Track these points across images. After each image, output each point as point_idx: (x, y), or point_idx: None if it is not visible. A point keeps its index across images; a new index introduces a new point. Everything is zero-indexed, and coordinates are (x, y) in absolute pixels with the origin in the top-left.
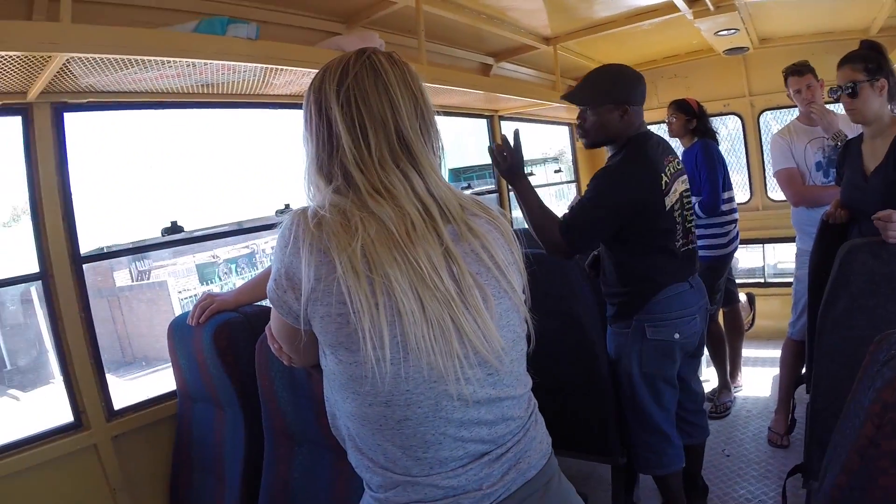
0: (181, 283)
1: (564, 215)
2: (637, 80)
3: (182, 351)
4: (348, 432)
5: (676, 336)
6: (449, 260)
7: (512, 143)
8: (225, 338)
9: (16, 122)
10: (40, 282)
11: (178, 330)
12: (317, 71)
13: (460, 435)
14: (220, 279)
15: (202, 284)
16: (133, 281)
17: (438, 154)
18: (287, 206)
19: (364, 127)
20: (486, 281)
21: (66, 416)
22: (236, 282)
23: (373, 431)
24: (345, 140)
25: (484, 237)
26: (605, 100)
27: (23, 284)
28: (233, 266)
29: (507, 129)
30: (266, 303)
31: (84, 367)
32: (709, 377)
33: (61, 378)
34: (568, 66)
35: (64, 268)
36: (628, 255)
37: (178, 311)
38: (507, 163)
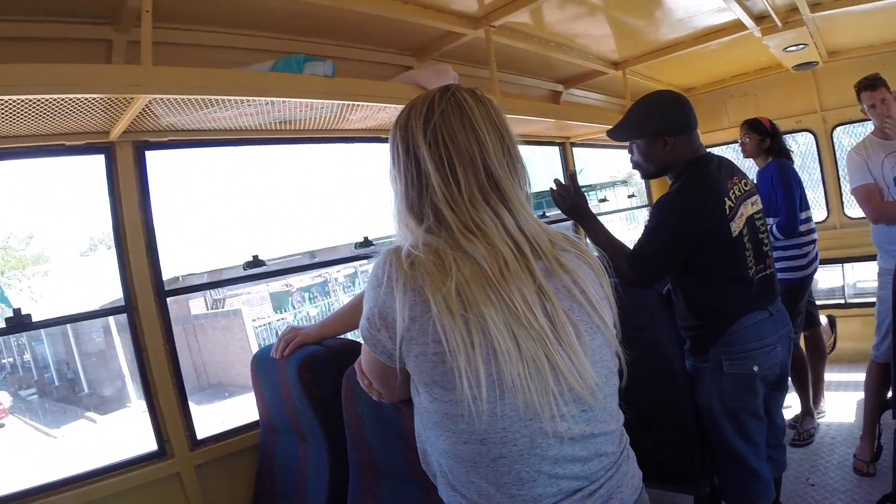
0: (255, 312)
1: (633, 247)
2: (676, 107)
3: (265, 383)
4: (440, 469)
5: (755, 368)
6: (542, 297)
7: (569, 184)
8: (309, 370)
9: (99, 160)
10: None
11: (262, 362)
12: (392, 105)
13: (554, 472)
14: (294, 307)
15: (276, 312)
16: (208, 309)
17: (525, 189)
18: (366, 238)
19: (453, 165)
20: (579, 317)
21: (139, 439)
22: (309, 310)
23: (467, 469)
24: (434, 179)
25: (574, 272)
26: (640, 134)
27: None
28: (306, 294)
29: (580, 155)
30: (350, 336)
31: (168, 398)
32: (790, 403)
33: (144, 406)
34: (637, 89)
35: (148, 301)
36: (696, 287)
37: (252, 339)
38: (568, 203)
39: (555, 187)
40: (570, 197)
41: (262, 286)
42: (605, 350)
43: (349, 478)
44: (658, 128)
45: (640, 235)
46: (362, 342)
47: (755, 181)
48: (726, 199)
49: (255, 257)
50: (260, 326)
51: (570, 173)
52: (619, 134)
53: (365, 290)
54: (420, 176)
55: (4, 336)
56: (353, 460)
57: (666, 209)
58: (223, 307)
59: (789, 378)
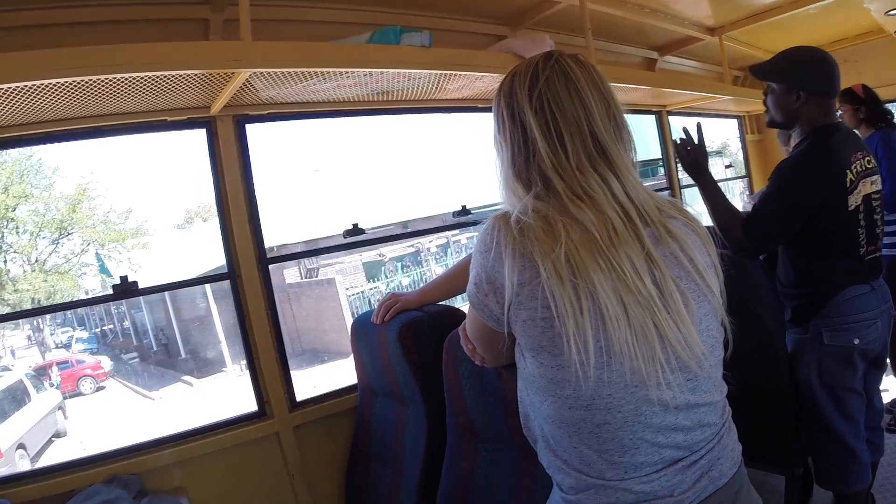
0: (348, 281)
1: (748, 213)
2: (821, 67)
3: (365, 347)
4: (542, 433)
5: (856, 341)
6: (650, 264)
7: (695, 136)
8: (409, 336)
9: (198, 134)
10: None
11: (362, 328)
12: (489, 75)
13: (657, 440)
14: (386, 277)
15: (369, 282)
16: (302, 278)
17: (631, 154)
18: (464, 207)
19: (559, 131)
20: (686, 285)
21: (232, 402)
22: (401, 280)
23: (569, 434)
24: (541, 145)
25: (682, 240)
26: (778, 79)
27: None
28: (399, 264)
29: (676, 123)
30: (448, 302)
31: (269, 361)
32: (887, 386)
33: (238, 371)
34: (734, 56)
35: (251, 268)
36: (807, 256)
37: (345, 307)
38: (691, 157)
39: (683, 136)
40: (693, 150)
41: (356, 256)
42: (711, 319)
43: (446, 441)
44: (796, 79)
45: (754, 202)
46: (468, 307)
47: None
48: (848, 171)
49: (355, 225)
50: (353, 295)
51: (697, 123)
52: (761, 72)
53: (472, 255)
54: (527, 142)
55: (113, 302)
56: (451, 424)
57: (787, 173)
58: (317, 276)
59: (888, 359)
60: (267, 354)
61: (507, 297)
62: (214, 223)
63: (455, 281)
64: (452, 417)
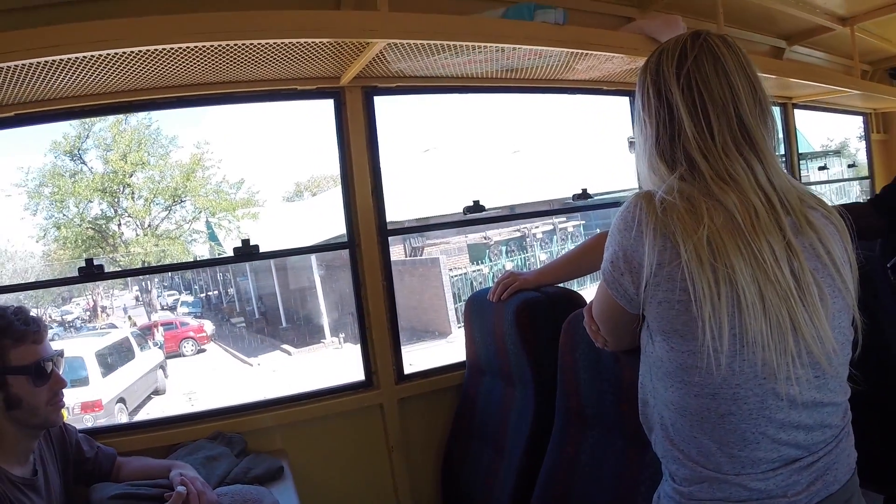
0: (452, 262)
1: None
2: None
3: (478, 325)
4: (661, 421)
5: None
6: (790, 253)
7: None
8: (526, 316)
9: (326, 104)
10: (347, 250)
11: (477, 305)
12: (619, 56)
13: (778, 437)
14: (490, 260)
15: (472, 264)
16: (406, 256)
17: (775, 141)
18: (584, 191)
19: (706, 112)
20: (823, 278)
21: (326, 375)
22: (506, 264)
23: (691, 423)
24: (687, 125)
25: (821, 231)
26: None
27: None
28: (503, 248)
29: (801, 117)
30: (566, 285)
31: (381, 332)
32: None
33: (337, 343)
34: (866, 49)
35: (371, 239)
36: None
37: (448, 288)
38: None
39: None
40: None
41: (461, 237)
42: (844, 315)
43: (553, 425)
44: None
45: None
46: (599, 286)
47: None
48: None
49: (476, 202)
50: (456, 276)
51: None
52: None
53: (609, 233)
54: (672, 122)
55: (232, 264)
56: (560, 408)
57: None
58: (421, 255)
59: None
60: (379, 325)
61: (644, 276)
62: (322, 197)
63: (575, 264)
64: (563, 401)
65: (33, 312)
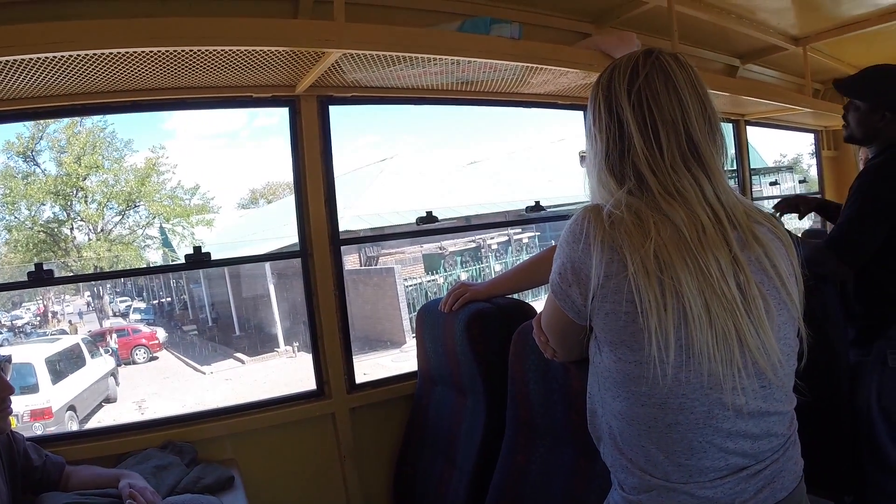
0: (407, 271)
1: (830, 234)
2: None
3: (430, 335)
4: (610, 431)
5: None
6: (736, 267)
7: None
8: (477, 326)
9: (282, 112)
10: (300, 259)
11: (429, 315)
12: (573, 71)
13: (725, 445)
14: (445, 270)
15: (427, 274)
16: (361, 265)
17: (723, 158)
18: (537, 203)
19: (656, 129)
20: (769, 291)
21: (282, 382)
22: (460, 275)
23: (639, 432)
24: (637, 141)
25: (767, 246)
26: (864, 97)
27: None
28: (458, 259)
29: (753, 134)
30: (517, 296)
31: (332, 341)
32: None
33: (290, 352)
34: (817, 68)
35: (323, 248)
36: (883, 272)
37: (402, 298)
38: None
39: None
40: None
41: (416, 247)
42: (789, 328)
43: (504, 434)
44: (883, 98)
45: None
46: (548, 297)
47: None
48: None
49: (429, 213)
50: (411, 286)
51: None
52: (846, 88)
53: (558, 245)
54: (622, 137)
55: (184, 271)
56: (510, 418)
57: (873, 178)
58: (376, 265)
59: None
60: (331, 335)
61: (591, 288)
62: (278, 205)
63: (526, 275)
64: (513, 410)
65: None
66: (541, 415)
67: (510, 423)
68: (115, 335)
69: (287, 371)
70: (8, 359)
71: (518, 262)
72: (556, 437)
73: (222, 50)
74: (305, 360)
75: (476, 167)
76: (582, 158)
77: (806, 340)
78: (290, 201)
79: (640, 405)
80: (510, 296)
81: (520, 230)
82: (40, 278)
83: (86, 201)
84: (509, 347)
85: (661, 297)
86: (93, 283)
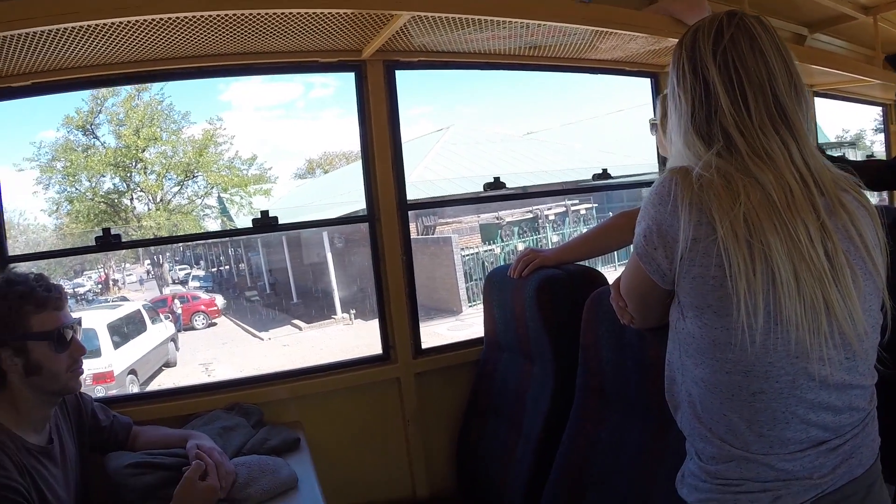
0: (463, 241)
1: None
2: None
3: (498, 301)
4: (690, 398)
5: None
6: (824, 234)
7: None
8: (547, 293)
9: (337, 84)
10: (367, 224)
11: (497, 281)
12: (642, 36)
13: (808, 417)
14: (502, 240)
15: (484, 244)
16: (418, 234)
17: (809, 122)
18: (604, 171)
19: (743, 89)
20: (855, 260)
21: (335, 350)
22: (517, 245)
23: (721, 400)
24: (724, 102)
25: (853, 214)
26: None
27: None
28: (515, 229)
29: (820, 105)
30: (587, 263)
31: (399, 306)
32: None
33: (348, 319)
34: (888, 39)
35: (391, 213)
36: None
37: (459, 267)
38: None
39: None
40: None
41: (473, 217)
42: (874, 299)
43: (572, 402)
44: None
45: None
46: (629, 261)
47: None
48: None
49: (497, 179)
50: (468, 255)
51: None
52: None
53: (642, 208)
54: (709, 98)
55: (253, 235)
56: (580, 385)
57: None
58: (433, 234)
59: None
60: (398, 299)
61: (678, 251)
62: (334, 175)
63: (595, 242)
64: (583, 378)
65: None
66: (612, 383)
67: (580, 391)
68: (177, 301)
69: (344, 338)
70: (79, 321)
71: (576, 233)
72: (628, 406)
73: (288, 13)
74: (362, 328)
75: (533, 137)
76: (652, 126)
77: (891, 312)
78: (344, 171)
79: (725, 372)
80: (579, 263)
81: (577, 201)
82: (108, 243)
83: (145, 172)
84: (578, 314)
85: (750, 262)
86: (153, 251)
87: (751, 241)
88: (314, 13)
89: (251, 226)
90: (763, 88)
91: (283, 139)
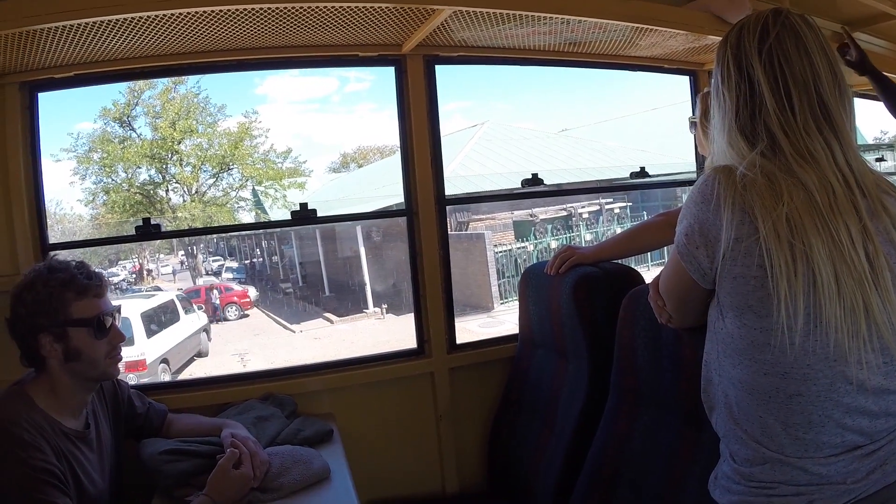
0: (496, 238)
1: None
2: None
3: (534, 298)
4: (726, 400)
5: None
6: (865, 237)
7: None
8: (584, 290)
9: (372, 78)
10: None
11: (534, 277)
12: (682, 33)
13: (843, 421)
14: (535, 238)
15: (517, 241)
16: (451, 230)
17: (853, 122)
18: (642, 168)
19: (788, 89)
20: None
21: (367, 344)
22: (550, 242)
23: (758, 402)
24: (769, 101)
25: (895, 217)
26: None
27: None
28: (549, 227)
29: (857, 106)
30: (627, 261)
31: (435, 301)
32: None
33: (379, 314)
34: None
35: (429, 208)
36: None
37: (491, 263)
38: (859, 53)
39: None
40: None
41: (506, 213)
42: None
43: (606, 400)
44: None
45: None
46: (670, 260)
47: None
48: None
49: (535, 175)
50: (500, 252)
51: (843, 28)
52: None
53: (683, 206)
54: (753, 96)
55: (291, 227)
56: (615, 384)
57: None
58: (466, 230)
59: None
60: (434, 294)
61: (720, 250)
62: (369, 169)
63: (633, 241)
64: (618, 377)
65: None
66: (647, 382)
67: (614, 390)
68: (215, 291)
69: (375, 332)
70: (118, 308)
71: (610, 233)
72: (662, 406)
73: (330, 7)
74: (394, 322)
75: (567, 135)
76: (692, 125)
77: None
78: (379, 166)
79: (763, 374)
80: (616, 261)
81: (611, 199)
82: (148, 232)
83: (181, 164)
84: (614, 312)
85: (791, 263)
86: (187, 242)
87: (793, 242)
88: (356, 7)
89: (290, 218)
90: (807, 88)
91: (317, 133)
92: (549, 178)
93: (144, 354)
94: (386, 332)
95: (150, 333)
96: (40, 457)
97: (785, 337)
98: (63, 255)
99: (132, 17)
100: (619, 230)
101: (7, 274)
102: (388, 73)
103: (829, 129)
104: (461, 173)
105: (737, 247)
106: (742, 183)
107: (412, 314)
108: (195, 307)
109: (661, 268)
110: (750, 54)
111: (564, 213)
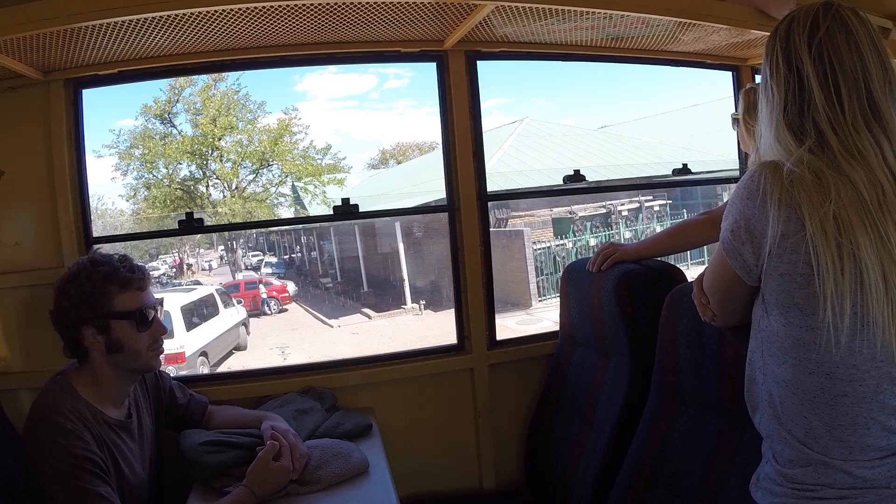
0: (535, 235)
1: None
2: None
3: (575, 295)
4: (770, 400)
5: None
6: None
7: None
8: (626, 287)
9: (411, 75)
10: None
11: (576, 274)
12: (725, 28)
13: (889, 424)
14: (574, 235)
15: (556, 238)
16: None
17: None
18: (685, 165)
19: (837, 85)
20: None
21: (404, 340)
22: (589, 240)
23: (802, 402)
24: (817, 96)
25: None
26: None
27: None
28: (588, 224)
29: None
30: (668, 259)
31: (476, 297)
32: None
33: (417, 310)
34: None
35: (470, 203)
36: None
37: (530, 260)
38: None
39: None
40: None
41: (545, 210)
42: None
43: (646, 399)
44: None
45: None
46: (715, 256)
47: None
48: None
49: (577, 172)
50: (539, 249)
51: None
52: None
53: (729, 202)
54: (802, 92)
55: (333, 222)
56: (656, 382)
57: None
58: (505, 226)
59: None
60: (475, 290)
61: (766, 247)
62: (409, 165)
63: (676, 238)
64: (659, 376)
65: None
66: (689, 381)
67: (655, 389)
68: (262, 285)
69: (413, 328)
70: (161, 301)
71: (650, 230)
72: (704, 405)
73: (373, 2)
74: (432, 319)
75: (607, 131)
76: (734, 122)
77: None
78: (419, 162)
79: (808, 373)
80: (659, 259)
81: (651, 197)
82: (191, 226)
83: (221, 160)
84: (657, 310)
85: (838, 261)
86: (227, 237)
87: (840, 240)
88: (398, 2)
89: (332, 213)
90: (857, 84)
91: (356, 129)
92: (590, 175)
93: (183, 347)
94: (424, 328)
95: (189, 326)
96: (82, 445)
97: (831, 336)
98: (106, 248)
99: (175, 14)
100: (658, 228)
101: (52, 266)
102: (429, 69)
103: (878, 127)
104: (500, 170)
105: (783, 244)
106: (789, 179)
107: (449, 310)
108: (234, 301)
109: (700, 267)
110: (799, 48)
111: (604, 211)
